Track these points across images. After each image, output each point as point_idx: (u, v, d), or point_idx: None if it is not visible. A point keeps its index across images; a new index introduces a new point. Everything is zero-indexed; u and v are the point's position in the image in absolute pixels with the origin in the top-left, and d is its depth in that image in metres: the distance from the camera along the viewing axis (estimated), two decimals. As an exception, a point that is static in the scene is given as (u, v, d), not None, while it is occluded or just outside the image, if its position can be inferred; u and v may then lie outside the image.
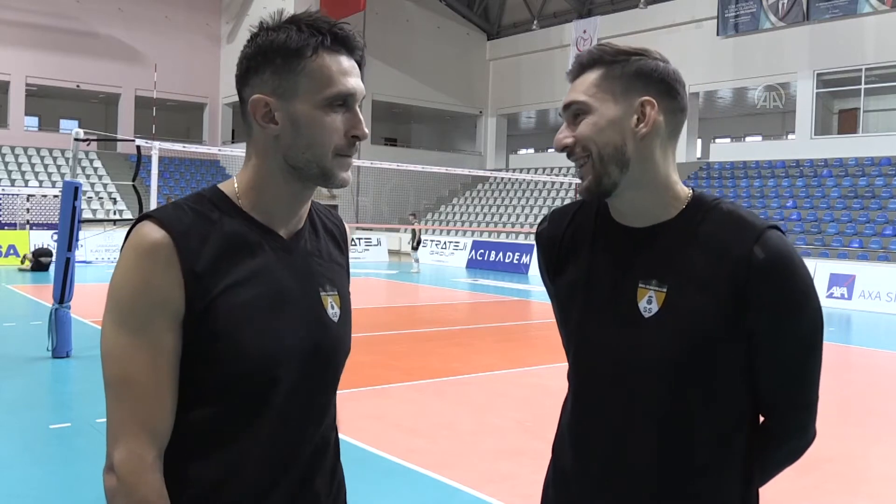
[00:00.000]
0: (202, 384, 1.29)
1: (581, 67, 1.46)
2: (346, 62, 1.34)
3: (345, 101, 1.33)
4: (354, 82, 1.34)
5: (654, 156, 1.42)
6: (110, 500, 1.24)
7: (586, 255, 1.51)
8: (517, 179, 30.90)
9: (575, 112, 1.43)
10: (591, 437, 1.48)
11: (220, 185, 1.39)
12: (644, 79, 1.41)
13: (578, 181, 1.46)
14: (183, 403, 1.29)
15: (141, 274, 1.25)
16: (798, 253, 1.40)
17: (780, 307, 1.37)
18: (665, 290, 1.41)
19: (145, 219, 1.28)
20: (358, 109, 1.36)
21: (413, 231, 22.94)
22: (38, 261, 17.92)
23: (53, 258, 10.96)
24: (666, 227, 1.44)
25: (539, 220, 1.67)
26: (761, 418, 1.49)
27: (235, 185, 1.37)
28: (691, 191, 1.47)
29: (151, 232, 1.26)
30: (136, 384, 1.24)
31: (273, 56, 1.30)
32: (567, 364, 1.73)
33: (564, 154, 1.45)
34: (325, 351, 1.40)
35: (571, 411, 1.54)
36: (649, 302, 1.42)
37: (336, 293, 1.44)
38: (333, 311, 1.42)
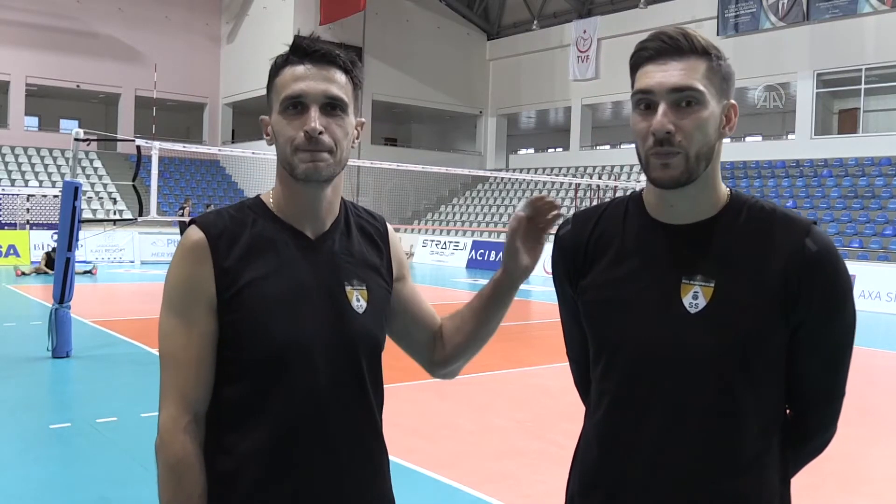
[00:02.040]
0: (230, 365, 1.48)
1: (680, 51, 1.36)
2: (302, 69, 1.48)
3: (298, 104, 1.47)
4: (303, 85, 1.47)
5: (719, 156, 1.44)
6: (155, 454, 1.46)
7: (619, 256, 1.48)
8: (517, 179, 30.87)
9: (687, 99, 1.36)
10: (630, 440, 1.44)
11: (262, 194, 1.60)
12: (729, 81, 1.43)
13: (648, 165, 1.39)
14: (217, 381, 1.48)
15: (183, 268, 1.49)
16: None
17: (828, 299, 1.38)
18: (712, 284, 1.39)
19: (192, 223, 1.52)
20: (314, 108, 1.46)
21: None
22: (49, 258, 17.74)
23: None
24: (709, 224, 1.43)
25: (560, 223, 1.64)
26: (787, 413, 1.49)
27: (271, 192, 1.58)
28: (729, 189, 1.48)
29: (193, 234, 1.49)
30: (175, 359, 1.47)
31: (268, 81, 1.53)
32: (570, 365, 1.72)
33: (653, 138, 1.35)
34: (346, 340, 1.52)
35: (605, 416, 1.48)
36: (695, 297, 1.40)
37: (364, 288, 1.57)
38: (359, 303, 1.55)
